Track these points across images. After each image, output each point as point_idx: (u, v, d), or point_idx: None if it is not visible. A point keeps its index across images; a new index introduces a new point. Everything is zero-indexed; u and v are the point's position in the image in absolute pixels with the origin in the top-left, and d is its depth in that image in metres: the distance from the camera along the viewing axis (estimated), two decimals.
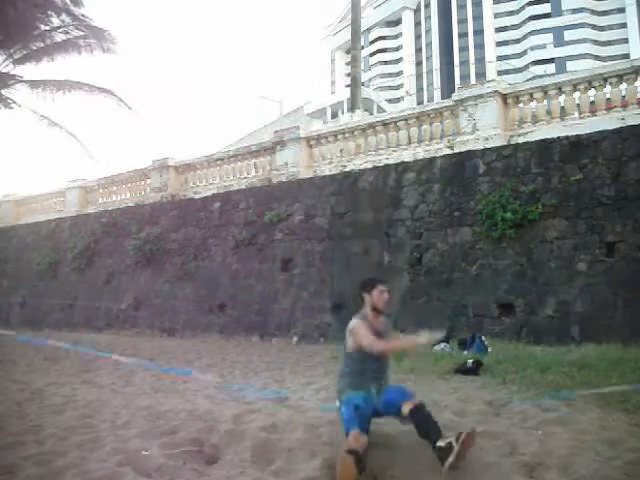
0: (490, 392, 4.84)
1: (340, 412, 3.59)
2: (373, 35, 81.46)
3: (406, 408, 3.42)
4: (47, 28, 15.54)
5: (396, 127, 11.26)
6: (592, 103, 9.43)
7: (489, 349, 7.18)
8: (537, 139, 9.23)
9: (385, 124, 11.43)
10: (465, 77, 65.71)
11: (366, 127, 11.73)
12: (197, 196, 14.07)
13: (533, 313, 8.45)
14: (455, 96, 10.54)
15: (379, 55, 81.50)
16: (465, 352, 7.15)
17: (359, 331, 3.66)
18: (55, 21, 15.47)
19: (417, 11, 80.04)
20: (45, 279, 16.45)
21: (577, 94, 9.52)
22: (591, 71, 9.68)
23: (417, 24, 79.70)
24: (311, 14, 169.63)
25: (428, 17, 77.82)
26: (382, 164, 10.96)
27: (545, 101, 9.82)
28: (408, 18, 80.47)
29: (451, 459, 3.03)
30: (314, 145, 12.58)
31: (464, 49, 72.94)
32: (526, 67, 65.45)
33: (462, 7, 74.37)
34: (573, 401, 4.25)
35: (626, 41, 63.00)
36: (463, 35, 73.81)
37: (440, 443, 3.14)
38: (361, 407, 3.51)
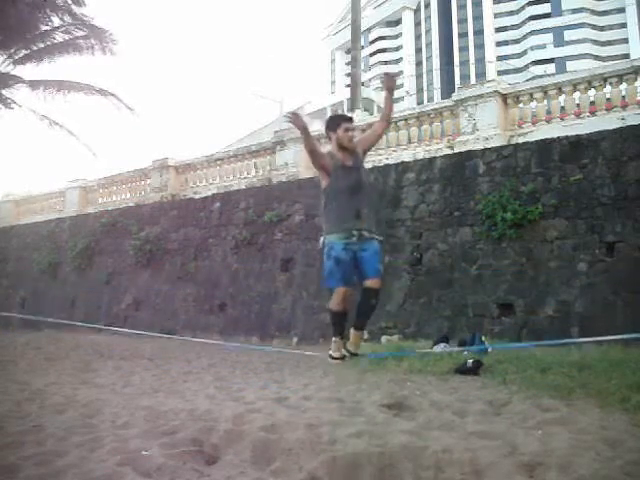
0: (490, 392, 4.83)
1: (323, 261, 3.88)
2: (373, 35, 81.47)
3: (368, 283, 3.78)
4: (48, 28, 15.54)
5: (396, 127, 11.27)
6: (592, 103, 9.44)
7: (489, 349, 7.17)
8: (537, 139, 9.24)
9: None
10: (465, 77, 65.68)
11: (366, 127, 11.72)
12: (197, 196, 14.07)
13: (533, 313, 8.46)
14: (455, 96, 10.55)
15: (379, 55, 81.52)
16: (465, 352, 7.14)
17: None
18: (56, 21, 15.48)
19: (417, 11, 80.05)
20: (45, 279, 16.45)
21: (577, 94, 9.53)
22: (591, 71, 9.69)
23: (417, 24, 79.72)
24: (311, 14, 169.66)
25: (428, 17, 77.83)
26: (382, 164, 10.97)
27: (545, 101, 9.83)
28: (408, 18, 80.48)
29: (334, 354, 4.16)
30: None
31: (464, 49, 72.95)
32: (526, 67, 65.46)
33: (462, 7, 74.39)
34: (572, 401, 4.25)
35: (626, 41, 63.01)
36: (463, 35, 73.82)
37: (349, 345, 4.11)
38: (342, 259, 3.68)
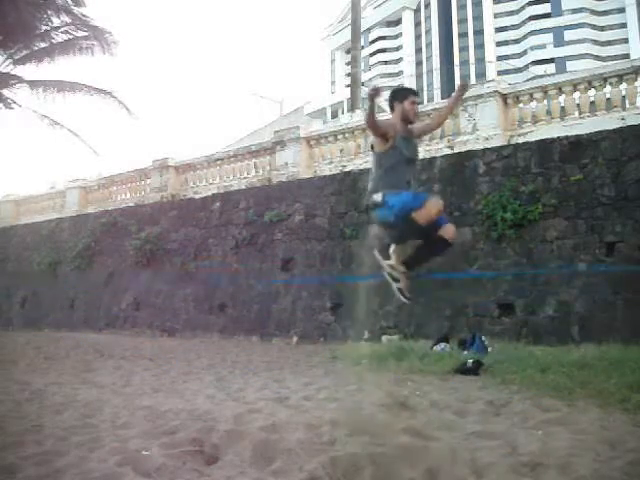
0: (490, 392, 4.84)
1: (389, 206, 3.64)
2: (373, 35, 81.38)
3: (441, 232, 3.63)
4: (48, 28, 15.53)
5: None
6: (592, 103, 9.44)
7: (489, 349, 7.18)
8: (537, 139, 9.23)
9: None
10: (465, 77, 65.58)
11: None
12: (197, 196, 14.07)
13: (533, 313, 8.45)
14: None
15: (379, 55, 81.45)
16: (465, 352, 7.15)
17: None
18: (56, 21, 15.49)
19: (417, 11, 79.97)
20: (45, 279, 16.44)
21: (577, 94, 9.53)
22: (591, 71, 9.68)
23: (417, 24, 79.64)
24: (311, 14, 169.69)
25: (428, 17, 77.76)
26: None
27: (545, 101, 9.83)
28: (408, 18, 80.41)
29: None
30: (314, 145, 12.58)
31: (464, 49, 72.89)
32: (526, 67, 65.39)
33: (462, 7, 74.32)
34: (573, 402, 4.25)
35: (626, 41, 62.92)
36: (463, 35, 73.75)
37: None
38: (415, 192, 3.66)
